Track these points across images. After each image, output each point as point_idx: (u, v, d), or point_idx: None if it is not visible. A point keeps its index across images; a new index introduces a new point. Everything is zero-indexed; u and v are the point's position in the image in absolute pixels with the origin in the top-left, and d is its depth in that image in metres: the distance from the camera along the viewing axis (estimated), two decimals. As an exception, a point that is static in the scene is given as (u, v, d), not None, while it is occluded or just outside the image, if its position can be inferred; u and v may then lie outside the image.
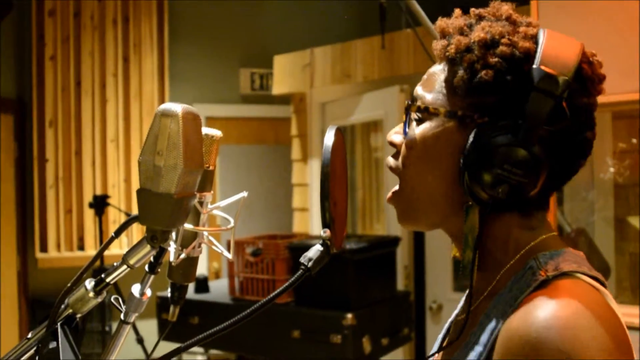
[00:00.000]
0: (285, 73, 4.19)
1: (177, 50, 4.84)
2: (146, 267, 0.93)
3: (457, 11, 0.89)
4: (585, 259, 0.83)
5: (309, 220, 4.27)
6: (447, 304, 3.48)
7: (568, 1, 2.16)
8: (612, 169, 3.08)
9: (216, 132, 0.95)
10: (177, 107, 0.80)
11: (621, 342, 0.72)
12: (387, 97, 3.57)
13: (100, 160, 4.58)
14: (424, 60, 3.34)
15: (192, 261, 0.97)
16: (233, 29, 5.03)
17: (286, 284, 0.80)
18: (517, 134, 0.77)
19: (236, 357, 3.83)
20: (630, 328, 2.02)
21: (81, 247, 4.55)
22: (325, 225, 0.79)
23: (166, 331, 1.00)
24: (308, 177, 4.24)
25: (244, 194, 0.98)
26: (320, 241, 0.80)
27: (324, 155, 0.80)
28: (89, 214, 4.46)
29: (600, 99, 0.85)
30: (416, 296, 3.51)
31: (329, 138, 0.81)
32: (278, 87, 4.25)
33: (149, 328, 3.40)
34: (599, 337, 0.70)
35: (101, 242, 3.81)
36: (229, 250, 0.97)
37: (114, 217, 4.49)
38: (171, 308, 0.98)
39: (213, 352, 3.83)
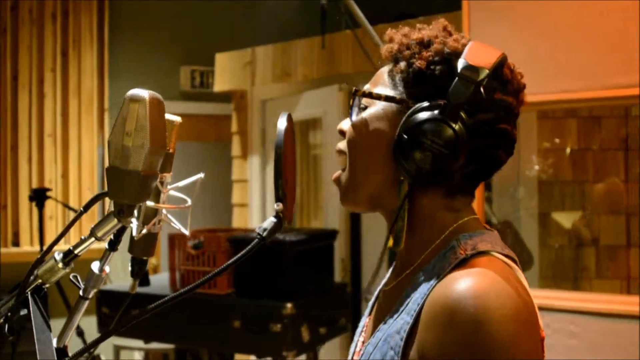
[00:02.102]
0: (226, 71, 4.26)
1: (118, 46, 4.84)
2: (106, 244, 1.01)
3: (402, 26, 1.02)
4: (499, 239, 0.95)
5: (248, 216, 4.35)
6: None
7: (497, 2, 2.32)
8: (536, 167, 3.29)
9: (176, 118, 1.04)
10: (145, 93, 0.88)
11: (527, 311, 0.84)
12: (327, 96, 3.69)
13: (37, 156, 4.53)
14: (363, 60, 3.48)
15: (152, 237, 1.04)
16: (174, 26, 5.06)
17: (241, 252, 0.88)
18: (441, 113, 0.89)
19: (174, 350, 3.87)
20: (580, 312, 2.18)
21: (16, 243, 4.49)
22: (278, 199, 0.89)
23: (125, 304, 1.08)
24: (248, 174, 4.32)
25: (201, 175, 1.06)
26: (274, 213, 0.90)
27: (277, 138, 0.90)
28: (25, 210, 4.41)
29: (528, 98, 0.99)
30: (353, 288, 3.63)
31: (282, 123, 0.91)
32: (219, 85, 4.32)
33: (88, 323, 3.41)
34: (507, 305, 0.81)
35: (41, 236, 3.78)
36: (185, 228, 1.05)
37: (51, 212, 4.46)
38: (131, 281, 1.06)
39: (153, 345, 3.86)
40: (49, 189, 3.84)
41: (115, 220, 0.93)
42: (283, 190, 0.89)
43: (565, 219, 3.24)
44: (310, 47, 3.84)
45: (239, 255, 0.89)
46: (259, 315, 2.85)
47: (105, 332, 0.92)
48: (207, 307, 2.98)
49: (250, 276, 2.96)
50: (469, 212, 0.98)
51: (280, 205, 0.89)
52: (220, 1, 5.07)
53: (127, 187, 0.89)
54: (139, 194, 0.90)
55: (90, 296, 1.06)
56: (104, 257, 1.03)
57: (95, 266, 1.03)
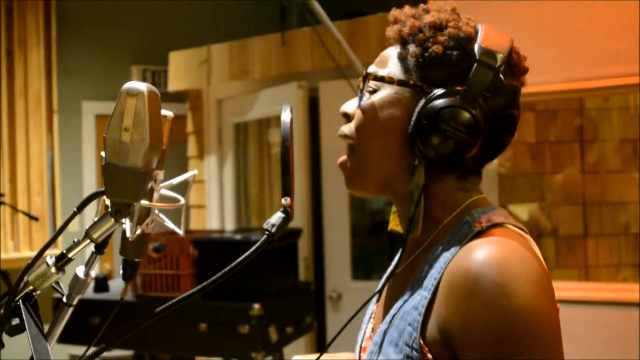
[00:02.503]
0: (181, 69, 4.18)
1: (66, 46, 4.69)
2: (92, 248, 0.96)
3: (407, 7, 1.01)
4: (510, 215, 0.95)
5: (206, 217, 4.28)
6: (347, 293, 3.61)
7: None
8: (496, 160, 3.34)
9: (169, 113, 0.99)
10: (143, 86, 0.84)
11: (547, 278, 0.85)
12: (286, 93, 3.66)
13: (-17, 160, 4.36)
14: (322, 57, 3.47)
15: (143, 238, 1.00)
16: (125, 25, 4.94)
17: (252, 248, 0.86)
18: (462, 99, 0.89)
19: (132, 356, 3.77)
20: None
21: (-38, 251, 4.31)
22: (285, 194, 0.86)
23: (117, 308, 1.03)
24: (205, 174, 4.25)
25: (195, 172, 1.02)
26: (282, 209, 0.87)
27: (283, 132, 0.87)
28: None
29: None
30: (316, 286, 3.62)
31: (287, 116, 0.88)
32: (173, 84, 4.23)
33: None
34: (527, 269, 0.82)
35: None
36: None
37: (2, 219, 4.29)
38: (124, 285, 1.01)
39: (112, 353, 3.75)
40: (1, 194, 3.70)
41: (112, 221, 0.89)
42: (290, 185, 0.87)
43: (525, 211, 3.30)
44: (267, 44, 3.79)
45: (249, 252, 0.87)
46: (225, 317, 2.80)
47: (108, 341, 0.87)
48: (171, 311, 2.90)
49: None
50: (478, 192, 0.98)
51: (288, 200, 0.86)
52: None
53: (126, 185, 0.85)
54: (138, 192, 0.86)
55: (74, 303, 1.01)
56: (90, 261, 0.98)
57: (80, 271, 0.98)
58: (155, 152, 0.87)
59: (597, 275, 3.10)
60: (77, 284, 0.99)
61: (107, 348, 0.88)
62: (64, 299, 0.99)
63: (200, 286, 0.88)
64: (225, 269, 0.88)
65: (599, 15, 2.32)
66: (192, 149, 4.32)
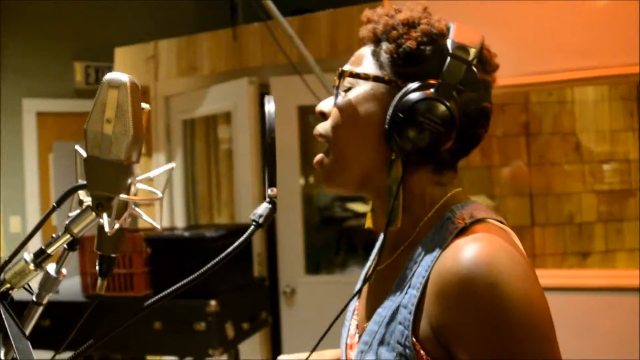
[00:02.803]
0: (127, 66, 4.09)
1: (7, 42, 4.54)
2: (65, 245, 0.94)
3: (379, 7, 1.03)
4: (487, 208, 0.98)
5: (155, 214, 4.20)
6: (300, 287, 3.62)
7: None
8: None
9: (146, 105, 0.98)
10: (125, 77, 0.83)
11: (532, 271, 0.87)
12: (236, 89, 3.63)
13: None
14: (272, 52, 3.46)
15: (121, 233, 0.98)
16: (68, 21, 4.82)
17: (241, 239, 0.85)
18: (436, 92, 0.91)
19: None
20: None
21: None
22: (272, 184, 0.86)
23: (94, 305, 1.00)
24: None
25: (172, 165, 1.01)
26: (268, 199, 0.87)
27: (269, 122, 0.87)
28: None
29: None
30: (270, 282, 3.61)
31: (271, 107, 0.88)
32: (119, 80, 4.14)
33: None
34: (515, 266, 0.84)
35: None
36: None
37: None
38: (99, 281, 0.99)
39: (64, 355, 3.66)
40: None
41: (93, 215, 0.87)
42: (275, 176, 0.87)
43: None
44: (216, 40, 3.76)
45: (237, 243, 0.86)
46: (181, 315, 2.77)
47: (97, 336, 0.85)
48: (124, 311, 2.86)
49: (169, 275, 2.86)
50: (454, 186, 1.00)
51: (274, 191, 0.86)
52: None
53: (108, 178, 0.84)
54: (120, 185, 0.85)
55: (44, 302, 0.98)
56: (61, 259, 0.96)
57: (51, 268, 0.96)
58: (136, 144, 0.85)
59: (544, 263, 3.19)
60: (47, 281, 0.97)
61: (88, 350, 0.86)
62: (34, 298, 0.96)
63: (186, 280, 0.87)
64: (211, 263, 0.87)
65: (556, 11, 2.39)
66: (139, 146, 4.24)
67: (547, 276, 2.60)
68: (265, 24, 3.07)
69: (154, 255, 2.92)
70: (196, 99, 3.94)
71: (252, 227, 0.87)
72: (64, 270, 0.98)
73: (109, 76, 0.82)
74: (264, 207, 0.87)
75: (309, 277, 3.66)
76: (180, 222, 4.11)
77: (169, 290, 0.87)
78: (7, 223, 4.55)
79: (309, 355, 1.09)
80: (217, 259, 0.84)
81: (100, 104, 0.82)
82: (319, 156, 1.01)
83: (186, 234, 2.96)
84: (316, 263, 4.10)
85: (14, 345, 0.80)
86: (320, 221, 4.66)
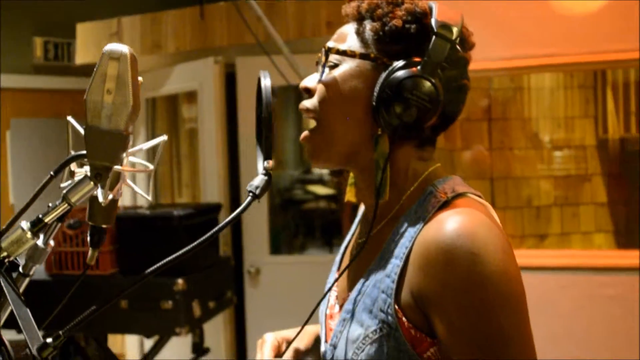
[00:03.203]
0: (89, 42, 4.03)
1: (-39, 13, 4.41)
2: (54, 216, 0.94)
3: None
4: (465, 183, 1.02)
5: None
6: (265, 267, 3.65)
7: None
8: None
9: (140, 78, 0.98)
10: (124, 48, 0.84)
11: (508, 243, 0.92)
12: (201, 68, 3.61)
13: None
14: (239, 32, 3.45)
15: (113, 204, 0.99)
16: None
17: (237, 210, 0.87)
18: (422, 70, 0.94)
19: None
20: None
21: None
22: (267, 156, 0.89)
23: (83, 273, 1.02)
24: (115, 150, 4.14)
25: (164, 137, 1.02)
26: (264, 171, 0.89)
27: (265, 96, 0.89)
28: None
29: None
30: (235, 261, 3.63)
31: (268, 82, 0.90)
32: (81, 57, 4.08)
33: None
34: (494, 239, 0.89)
35: None
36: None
37: None
38: (90, 251, 1.00)
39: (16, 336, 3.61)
40: None
41: (91, 184, 0.88)
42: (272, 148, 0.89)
43: (437, 186, 3.44)
44: (181, 18, 3.73)
45: (234, 214, 0.88)
46: (147, 294, 2.77)
47: (91, 311, 0.87)
48: (89, 290, 2.83)
49: (136, 254, 2.86)
50: (434, 161, 1.04)
51: (270, 163, 0.89)
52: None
53: (108, 148, 0.85)
54: (119, 155, 0.86)
55: (31, 273, 0.99)
56: (49, 230, 0.96)
57: (39, 240, 0.96)
58: (135, 114, 0.86)
59: (504, 245, 3.29)
60: (35, 253, 0.97)
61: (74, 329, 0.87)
62: (20, 269, 0.97)
63: (179, 252, 0.89)
64: (206, 235, 0.89)
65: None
66: (101, 124, 4.19)
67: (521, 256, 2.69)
68: (233, 3, 3.06)
69: (120, 234, 2.91)
70: (160, 77, 3.90)
71: (249, 197, 0.89)
72: (51, 242, 0.98)
73: (109, 47, 0.83)
74: (260, 179, 0.89)
75: (273, 257, 3.69)
76: (141, 200, 4.09)
77: (158, 264, 0.89)
78: (-37, 201, 4.45)
79: (299, 332, 1.12)
80: (211, 232, 0.87)
81: (100, 74, 0.83)
82: (305, 133, 1.03)
83: (151, 212, 2.95)
84: (278, 244, 4.13)
85: (15, 312, 0.81)
86: (280, 203, 4.68)
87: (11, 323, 0.95)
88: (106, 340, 3.35)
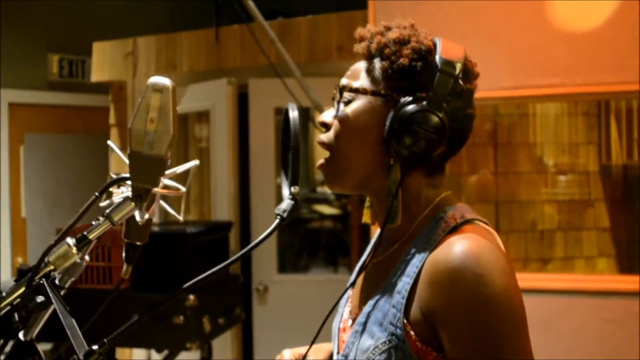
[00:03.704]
0: (105, 60, 4.13)
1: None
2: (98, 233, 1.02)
3: (370, 25, 1.14)
4: (473, 210, 1.10)
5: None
6: (272, 285, 3.71)
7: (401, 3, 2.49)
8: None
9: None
10: (167, 81, 0.92)
11: (511, 267, 1.00)
12: (215, 89, 3.71)
13: None
14: (252, 54, 3.55)
15: (148, 223, 1.07)
16: (44, 12, 4.80)
17: (267, 231, 0.94)
18: (429, 105, 1.02)
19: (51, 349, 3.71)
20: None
21: None
22: (295, 182, 0.97)
23: (117, 287, 1.09)
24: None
25: (196, 162, 1.10)
26: (290, 196, 0.97)
27: (294, 127, 0.97)
28: None
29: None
30: (243, 279, 3.69)
31: (296, 113, 0.99)
32: (97, 75, 4.18)
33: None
34: (498, 262, 0.97)
35: None
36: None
37: None
38: (124, 267, 1.08)
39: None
40: None
41: (132, 205, 0.96)
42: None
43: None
44: (196, 39, 3.83)
45: (264, 235, 0.95)
46: (160, 309, 2.83)
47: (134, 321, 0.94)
48: (102, 305, 2.90)
49: (148, 270, 2.93)
50: (445, 188, 1.12)
51: (297, 188, 0.96)
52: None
53: (149, 172, 0.92)
54: (158, 179, 0.94)
55: (66, 286, 1.06)
56: (85, 246, 1.04)
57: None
58: (173, 141, 0.94)
59: (508, 268, 3.35)
60: (72, 267, 1.04)
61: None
62: (57, 282, 1.04)
63: (219, 266, 0.96)
64: (243, 251, 0.96)
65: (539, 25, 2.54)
66: (114, 141, 4.28)
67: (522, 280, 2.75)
68: (247, 26, 3.15)
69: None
70: (174, 96, 3.98)
71: (277, 220, 0.96)
72: (87, 257, 1.06)
73: (153, 80, 0.91)
74: (287, 203, 0.97)
75: (281, 275, 3.75)
76: (155, 218, 4.16)
77: (198, 278, 0.96)
78: (-24, 214, 4.53)
79: (311, 344, 1.19)
80: (247, 248, 0.93)
81: (145, 105, 0.91)
82: (322, 161, 1.12)
83: (167, 229, 3.02)
84: (285, 262, 4.20)
85: (63, 321, 0.88)
86: (291, 222, 4.76)
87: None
88: (114, 353, 3.42)
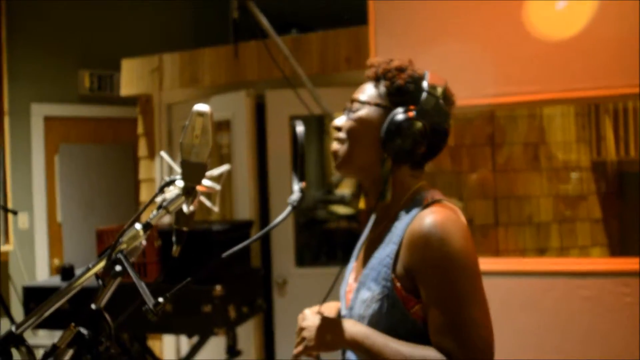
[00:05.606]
0: (133, 76, 4.49)
1: (17, 49, 4.89)
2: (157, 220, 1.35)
3: (378, 57, 1.48)
4: (442, 194, 1.43)
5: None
6: (291, 279, 4.04)
7: (400, 21, 2.78)
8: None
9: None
10: (206, 108, 1.25)
11: (469, 234, 1.34)
12: (234, 100, 4.05)
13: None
14: (269, 67, 3.88)
15: (192, 214, 1.40)
16: (74, 30, 5.18)
17: (278, 218, 1.27)
18: (416, 115, 1.37)
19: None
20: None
21: None
22: (302, 179, 1.30)
23: (166, 271, 1.42)
24: (155, 173, 4.58)
25: (228, 166, 1.44)
26: (299, 189, 1.31)
27: (300, 139, 1.31)
28: None
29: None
30: (264, 272, 4.02)
31: (302, 128, 1.33)
32: (126, 89, 4.54)
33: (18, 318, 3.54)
34: (458, 229, 1.32)
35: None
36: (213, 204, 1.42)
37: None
38: (174, 247, 1.41)
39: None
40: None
41: (182, 198, 1.29)
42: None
43: (446, 204, 3.80)
44: (216, 55, 4.17)
45: (276, 221, 1.28)
46: (190, 299, 3.17)
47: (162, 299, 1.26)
48: (137, 294, 3.24)
49: (179, 264, 3.26)
50: (422, 179, 1.47)
51: (304, 184, 1.30)
52: (123, 4, 5.26)
53: (196, 174, 1.26)
54: (201, 179, 1.27)
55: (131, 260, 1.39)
56: (144, 233, 1.37)
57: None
58: (212, 151, 1.27)
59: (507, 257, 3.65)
60: (134, 249, 1.38)
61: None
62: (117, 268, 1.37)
63: (234, 248, 1.28)
64: (252, 238, 1.29)
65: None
66: (142, 149, 4.64)
67: (510, 263, 3.04)
68: (262, 42, 3.49)
69: (164, 247, 3.32)
70: (197, 107, 4.33)
71: (289, 208, 1.29)
72: (143, 242, 1.39)
73: (196, 107, 1.24)
74: (297, 195, 1.31)
75: (299, 269, 4.08)
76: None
77: (226, 254, 1.28)
78: (16, 219, 4.90)
79: (323, 300, 1.53)
80: (259, 234, 1.26)
81: (191, 125, 1.24)
82: (335, 145, 1.47)
83: (194, 227, 3.36)
84: (308, 256, 4.55)
85: (137, 284, 1.21)
86: (305, 222, 5.08)
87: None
88: (146, 340, 3.77)
